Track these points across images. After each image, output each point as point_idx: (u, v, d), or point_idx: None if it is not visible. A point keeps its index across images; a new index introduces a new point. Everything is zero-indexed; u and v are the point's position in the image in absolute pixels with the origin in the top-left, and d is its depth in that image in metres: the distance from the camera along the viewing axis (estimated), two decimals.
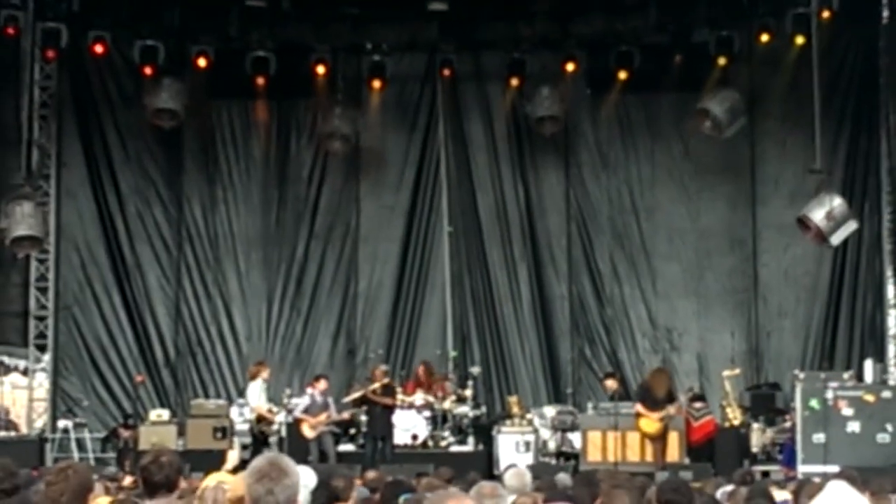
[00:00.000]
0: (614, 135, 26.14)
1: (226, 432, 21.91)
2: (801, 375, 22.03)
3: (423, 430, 22.71)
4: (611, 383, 23.23)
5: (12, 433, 23.37)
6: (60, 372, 25.46)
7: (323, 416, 21.95)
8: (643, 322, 25.86)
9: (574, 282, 26.03)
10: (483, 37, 25.98)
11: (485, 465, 21.09)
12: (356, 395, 22.67)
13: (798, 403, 21.15)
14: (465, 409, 23.15)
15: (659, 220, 26.07)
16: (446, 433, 22.87)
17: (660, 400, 21.76)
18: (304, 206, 26.27)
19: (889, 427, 20.66)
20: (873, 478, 10.22)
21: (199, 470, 14.86)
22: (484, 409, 23.93)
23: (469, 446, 22.85)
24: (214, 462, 15.43)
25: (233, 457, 11.12)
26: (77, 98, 25.82)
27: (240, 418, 22.93)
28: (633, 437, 21.80)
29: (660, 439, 21.55)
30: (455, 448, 22.71)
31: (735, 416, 22.81)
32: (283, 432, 22.36)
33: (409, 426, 22.66)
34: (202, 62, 24.95)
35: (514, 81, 25.57)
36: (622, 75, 25.23)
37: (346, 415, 22.70)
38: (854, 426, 20.70)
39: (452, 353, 25.33)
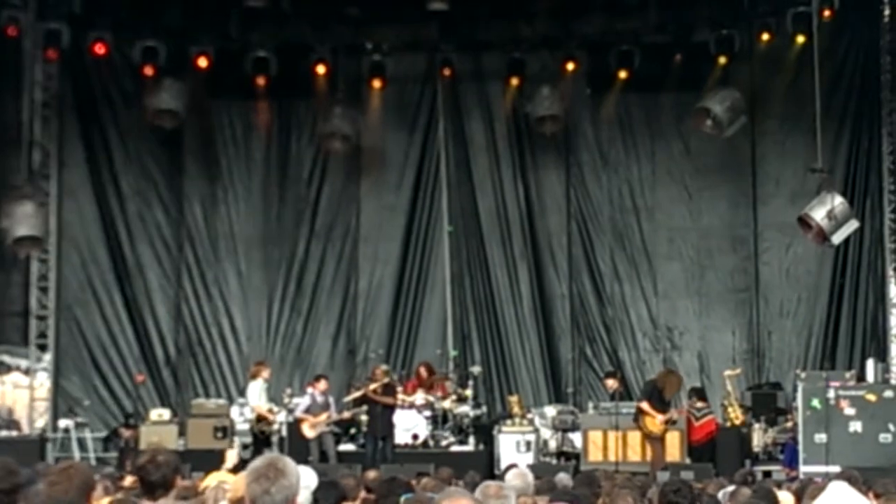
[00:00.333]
0: (615, 134, 26.14)
1: (226, 432, 21.92)
2: (803, 375, 22.04)
3: (423, 430, 22.71)
4: (611, 383, 23.19)
5: (14, 433, 23.37)
6: (61, 371, 25.45)
7: (323, 416, 21.94)
8: (644, 321, 25.86)
9: (574, 281, 26.03)
10: (483, 37, 25.97)
11: (485, 465, 21.07)
12: (357, 394, 22.65)
13: (800, 403, 21.15)
14: (465, 409, 23.15)
15: (659, 220, 26.07)
16: (447, 433, 22.86)
17: (668, 402, 21.75)
18: (304, 205, 26.27)
19: (891, 427, 20.65)
20: (878, 479, 10.18)
21: (200, 470, 14.86)
22: (484, 408, 23.95)
23: (470, 446, 22.84)
24: (215, 462, 15.39)
25: (231, 456, 11.15)
26: (78, 98, 25.81)
27: (240, 418, 22.94)
28: (634, 437, 21.78)
29: (659, 440, 21.52)
30: (456, 448, 22.71)
31: (736, 416, 22.80)
32: (284, 432, 22.34)
33: (409, 426, 22.67)
34: (203, 62, 24.95)
35: (515, 81, 25.58)
36: (622, 75, 25.24)
37: (346, 414, 22.69)
38: (856, 426, 20.68)
39: (453, 353, 25.34)
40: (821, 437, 20.64)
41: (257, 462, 5.58)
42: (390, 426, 22.11)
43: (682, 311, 25.88)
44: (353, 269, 26.21)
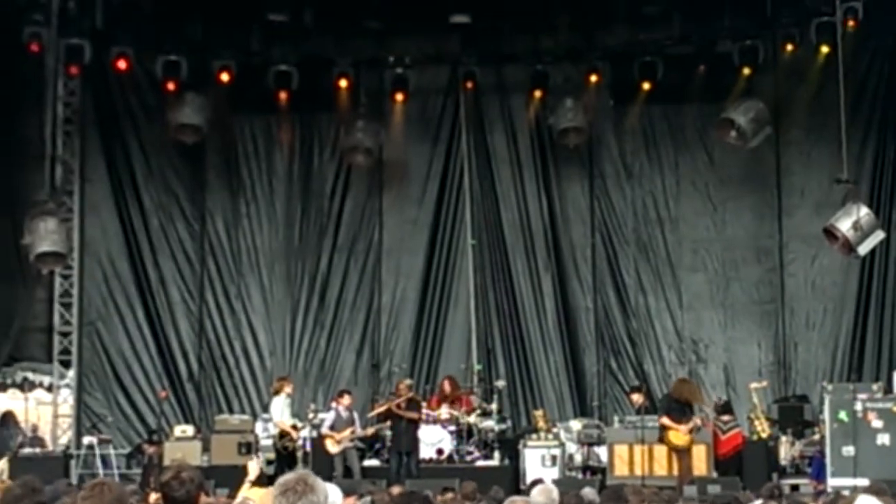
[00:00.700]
0: (638, 146, 26.06)
1: (250, 448, 21.83)
2: (830, 387, 21.90)
3: (448, 445, 22.60)
4: (637, 397, 23.01)
5: (37, 449, 23.37)
6: (85, 388, 25.45)
7: (347, 432, 21.88)
8: (669, 334, 25.73)
9: (599, 294, 25.92)
10: (506, 49, 25.92)
11: (511, 480, 20.95)
12: (381, 409, 22.57)
13: (827, 416, 20.97)
14: (490, 423, 23.04)
15: (684, 231, 25.96)
16: (472, 447, 22.76)
17: (687, 410, 21.60)
18: (327, 219, 26.24)
19: None
20: None
21: (224, 486, 14.78)
22: (509, 422, 23.85)
23: (495, 461, 22.72)
24: (239, 478, 15.31)
25: (253, 467, 11.08)
26: (100, 113, 25.86)
27: (264, 433, 22.87)
28: (661, 451, 21.60)
29: (686, 452, 21.37)
30: (481, 462, 22.59)
31: (763, 429, 22.62)
32: (308, 447, 22.27)
33: (434, 440, 22.56)
34: (225, 77, 24.96)
35: (538, 93, 25.53)
36: (646, 86, 25.17)
37: (370, 430, 22.61)
38: (884, 438, 20.50)
39: (477, 367, 25.24)
40: (848, 450, 20.47)
41: (287, 476, 5.66)
42: (415, 441, 22.01)
43: (708, 323, 25.75)
44: (376, 282, 26.15)
